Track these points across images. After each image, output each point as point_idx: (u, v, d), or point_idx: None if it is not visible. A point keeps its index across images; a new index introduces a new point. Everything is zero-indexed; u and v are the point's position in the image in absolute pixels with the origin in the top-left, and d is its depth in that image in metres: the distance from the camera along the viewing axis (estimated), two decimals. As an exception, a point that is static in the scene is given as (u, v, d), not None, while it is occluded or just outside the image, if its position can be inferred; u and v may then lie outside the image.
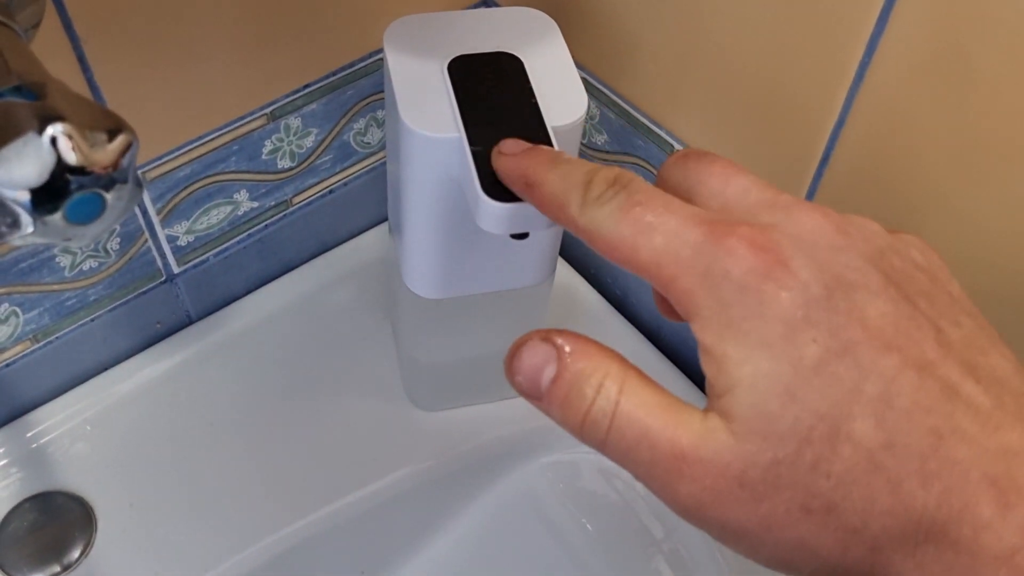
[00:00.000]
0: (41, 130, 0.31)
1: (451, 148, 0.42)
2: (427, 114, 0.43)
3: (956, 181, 0.42)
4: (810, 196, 0.49)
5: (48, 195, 0.31)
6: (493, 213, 0.39)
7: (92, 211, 0.33)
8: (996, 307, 0.44)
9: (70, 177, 0.31)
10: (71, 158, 0.32)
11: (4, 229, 0.32)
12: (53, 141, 0.31)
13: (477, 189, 0.39)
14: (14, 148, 0.31)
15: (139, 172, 0.36)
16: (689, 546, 0.58)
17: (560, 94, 0.44)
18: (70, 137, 0.32)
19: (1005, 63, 0.38)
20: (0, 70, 0.34)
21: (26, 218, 0.32)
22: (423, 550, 0.63)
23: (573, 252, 0.70)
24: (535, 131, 0.42)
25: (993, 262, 0.43)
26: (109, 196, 0.33)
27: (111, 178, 0.33)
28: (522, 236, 0.43)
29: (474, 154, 0.41)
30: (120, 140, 0.33)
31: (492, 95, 0.43)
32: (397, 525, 0.61)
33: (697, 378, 0.65)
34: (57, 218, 0.32)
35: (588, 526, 0.62)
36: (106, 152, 0.32)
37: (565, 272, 0.68)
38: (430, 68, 0.45)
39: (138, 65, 0.49)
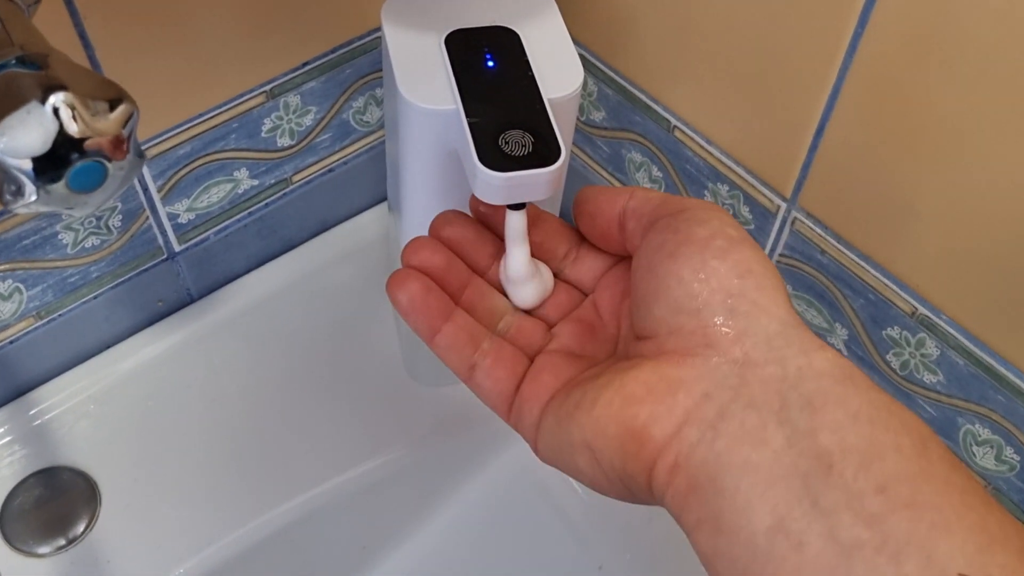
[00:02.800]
0: (44, 99, 0.32)
1: (448, 120, 0.43)
2: (425, 87, 0.43)
3: (948, 150, 0.43)
4: (806, 166, 0.50)
5: (51, 163, 0.32)
6: (490, 183, 0.40)
7: (94, 180, 0.33)
8: (987, 267, 0.44)
9: (72, 145, 0.32)
10: (73, 127, 0.32)
11: (8, 197, 0.33)
12: (55, 110, 0.32)
13: (474, 159, 0.40)
14: (18, 117, 0.31)
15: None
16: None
17: (556, 67, 0.45)
18: (72, 106, 0.32)
19: (995, 32, 0.38)
20: (3, 41, 0.34)
21: (30, 186, 0.32)
22: (424, 524, 0.63)
23: (571, 230, 0.71)
24: (531, 103, 0.42)
25: (984, 226, 0.44)
26: (111, 165, 0.33)
27: (112, 147, 0.33)
28: (519, 207, 0.43)
29: (471, 125, 0.41)
30: (121, 110, 0.33)
31: (489, 68, 0.44)
32: (398, 499, 0.62)
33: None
34: (60, 186, 0.33)
35: (586, 498, 0.63)
36: (108, 121, 0.33)
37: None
38: (427, 42, 0.45)
39: (139, 42, 0.49)
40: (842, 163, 0.48)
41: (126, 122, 0.34)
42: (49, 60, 0.34)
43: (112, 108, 0.33)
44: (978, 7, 0.38)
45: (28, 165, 0.32)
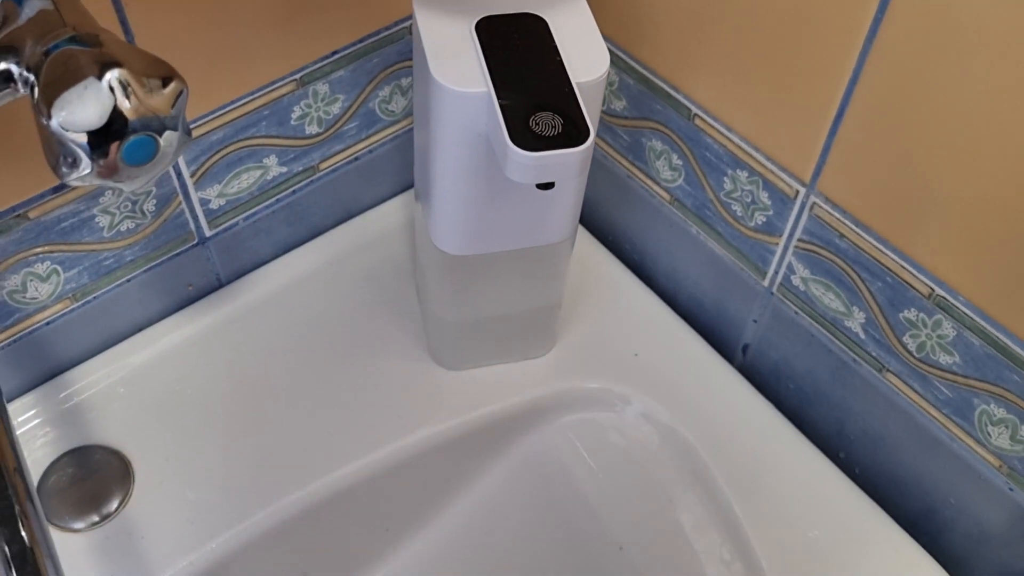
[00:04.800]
0: (100, 76, 0.33)
1: (480, 102, 0.44)
2: (457, 71, 0.45)
3: (965, 135, 0.44)
4: (825, 151, 0.51)
5: (106, 137, 0.33)
6: (521, 162, 0.41)
7: (146, 154, 0.35)
8: (1004, 249, 0.45)
9: (126, 120, 0.33)
10: (127, 103, 0.33)
11: (65, 169, 0.34)
12: (111, 86, 0.33)
13: (505, 139, 0.41)
14: (76, 92, 0.33)
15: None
16: (706, 501, 0.60)
17: (583, 52, 0.46)
18: (127, 83, 0.33)
19: (1011, 17, 0.40)
20: (57, 22, 0.36)
21: (85, 159, 0.34)
22: (447, 506, 0.65)
23: (593, 220, 0.72)
24: (560, 86, 0.44)
25: (1001, 209, 0.45)
26: (162, 140, 0.35)
27: (163, 123, 0.35)
28: (548, 186, 0.44)
29: (502, 107, 0.43)
30: (172, 87, 0.35)
31: (519, 53, 0.45)
32: (422, 482, 0.63)
33: (712, 340, 0.66)
34: (113, 159, 0.34)
35: (607, 483, 0.64)
36: (161, 97, 0.34)
37: (585, 239, 0.70)
38: (458, 28, 0.46)
39: (176, 30, 0.51)
40: (861, 148, 0.49)
41: (176, 99, 0.35)
42: (101, 39, 0.35)
43: (164, 85, 0.35)
44: (996, -8, 0.40)
45: (84, 138, 0.33)
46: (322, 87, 0.60)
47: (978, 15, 0.41)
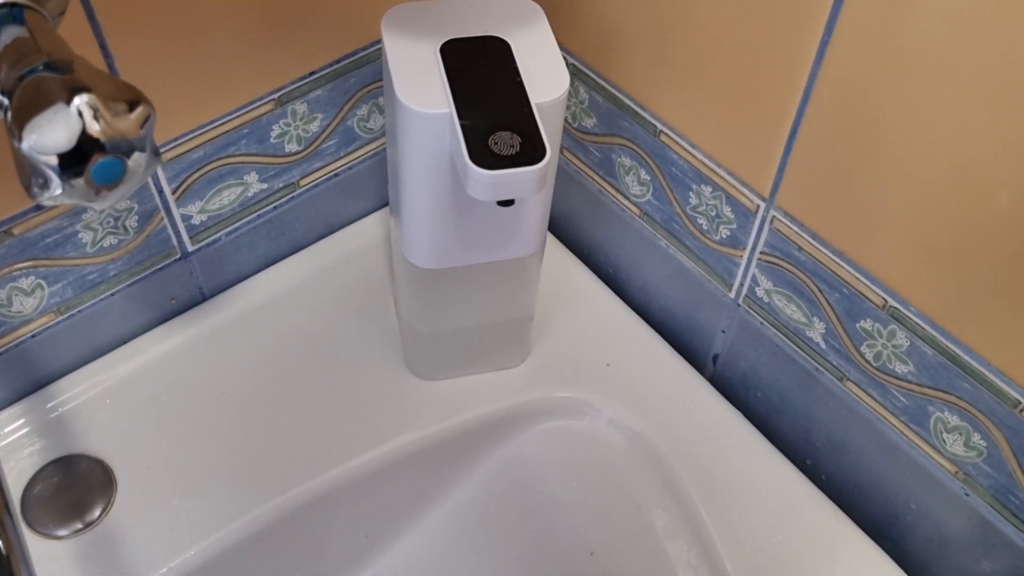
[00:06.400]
0: (69, 100, 0.35)
1: (443, 123, 0.46)
2: (421, 93, 0.46)
3: (911, 150, 0.46)
4: (782, 167, 0.52)
5: (75, 159, 0.35)
6: (480, 180, 0.43)
7: (114, 175, 0.36)
8: (951, 260, 0.47)
9: (95, 143, 0.35)
10: (95, 127, 0.35)
11: (36, 190, 0.36)
12: (80, 111, 0.35)
13: (465, 158, 0.43)
14: (45, 116, 0.34)
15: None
16: (674, 507, 0.62)
17: (544, 73, 0.48)
18: (95, 108, 0.35)
19: (949, 39, 0.41)
20: (32, 49, 0.37)
21: (55, 180, 0.35)
22: (426, 512, 0.66)
23: (567, 233, 0.74)
24: (519, 107, 0.45)
25: (946, 222, 0.46)
26: (130, 162, 0.37)
27: (131, 145, 0.36)
28: (508, 203, 0.46)
29: (463, 127, 0.44)
30: (140, 111, 0.37)
31: (481, 74, 0.47)
32: (399, 490, 0.65)
33: (683, 350, 0.68)
34: (83, 180, 0.36)
35: (579, 490, 0.65)
36: (127, 121, 0.36)
37: (560, 251, 0.72)
38: (424, 51, 0.48)
39: (155, 52, 0.53)
40: (814, 164, 0.51)
41: (144, 123, 0.37)
42: (74, 65, 0.37)
43: (131, 109, 0.36)
44: (933, 16, 0.41)
45: (54, 160, 0.35)
46: (300, 106, 0.61)
47: (919, 37, 0.42)
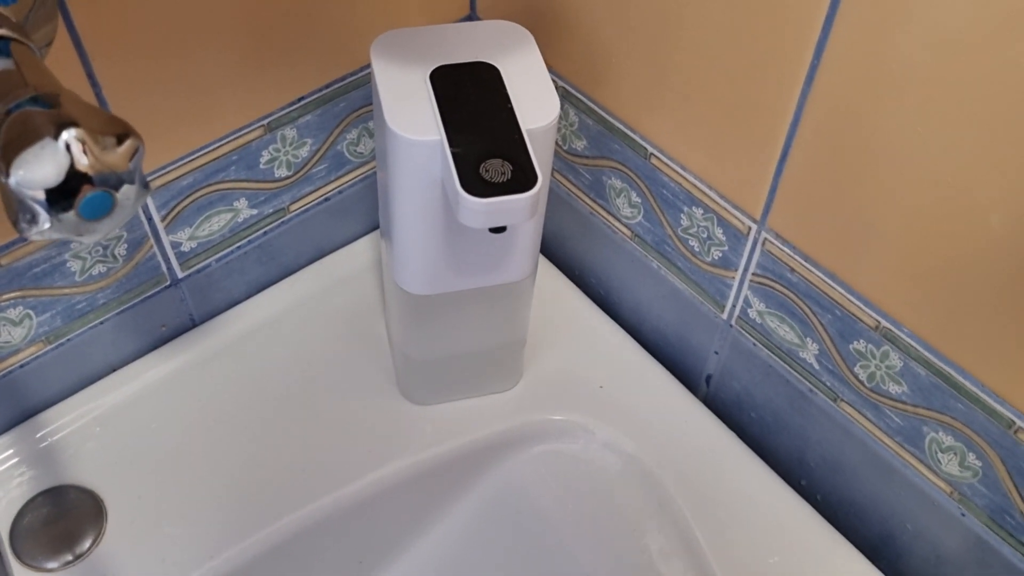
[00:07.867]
0: (57, 135, 0.35)
1: (433, 150, 0.46)
2: (411, 120, 0.46)
3: (901, 173, 0.46)
4: (773, 189, 0.52)
5: (63, 194, 0.35)
6: (471, 208, 0.43)
7: (103, 208, 0.36)
8: (943, 282, 0.47)
9: (83, 177, 0.35)
10: (83, 161, 0.35)
11: (24, 225, 0.35)
12: (67, 145, 0.35)
13: (457, 186, 0.43)
14: (33, 152, 0.34)
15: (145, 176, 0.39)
16: (670, 528, 0.61)
17: (534, 99, 0.48)
18: (83, 141, 0.35)
19: (936, 65, 0.41)
20: (18, 82, 0.37)
21: (43, 215, 0.35)
22: (418, 538, 0.66)
23: (559, 255, 0.74)
24: (510, 134, 0.45)
25: (938, 244, 0.46)
26: (118, 195, 0.36)
27: (120, 179, 0.36)
28: (500, 230, 0.46)
29: (454, 155, 0.44)
30: (128, 144, 0.36)
31: (471, 101, 0.47)
32: (394, 515, 0.64)
33: (676, 371, 0.68)
34: (71, 215, 0.35)
35: (574, 513, 0.65)
36: (115, 155, 0.36)
37: (552, 273, 0.71)
38: (414, 77, 0.48)
39: (143, 81, 0.52)
40: (805, 186, 0.51)
41: (132, 155, 0.36)
42: (61, 99, 0.37)
43: (119, 143, 0.36)
44: (919, 42, 0.41)
45: (42, 195, 0.35)
46: (290, 132, 0.61)
47: (908, 61, 0.42)
